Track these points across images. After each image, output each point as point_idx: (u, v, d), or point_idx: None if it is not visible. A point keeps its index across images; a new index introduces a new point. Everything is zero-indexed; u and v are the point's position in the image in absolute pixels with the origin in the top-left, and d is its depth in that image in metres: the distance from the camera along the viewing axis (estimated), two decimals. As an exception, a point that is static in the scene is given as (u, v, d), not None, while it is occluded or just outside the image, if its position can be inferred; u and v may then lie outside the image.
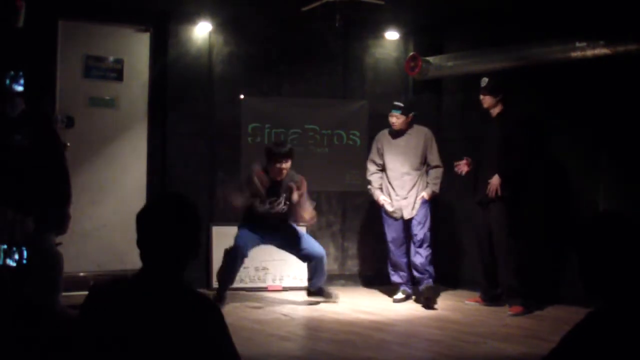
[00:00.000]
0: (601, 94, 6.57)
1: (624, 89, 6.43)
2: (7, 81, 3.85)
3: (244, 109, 7.64)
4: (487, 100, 6.72)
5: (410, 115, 6.90)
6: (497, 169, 6.59)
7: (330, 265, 7.93)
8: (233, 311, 6.37)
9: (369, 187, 7.12)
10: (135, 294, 2.34)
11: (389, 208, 6.96)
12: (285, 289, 7.41)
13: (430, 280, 6.89)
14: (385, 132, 7.07)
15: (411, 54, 7.71)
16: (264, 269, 7.46)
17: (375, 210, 7.70)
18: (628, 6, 6.14)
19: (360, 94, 8.09)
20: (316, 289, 6.91)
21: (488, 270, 6.84)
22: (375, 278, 7.90)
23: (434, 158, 6.96)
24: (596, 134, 6.69)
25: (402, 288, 7.06)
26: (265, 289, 7.36)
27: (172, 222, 2.40)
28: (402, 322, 6.25)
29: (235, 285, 7.02)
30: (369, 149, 7.67)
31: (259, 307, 6.70)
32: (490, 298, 6.87)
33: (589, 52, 6.20)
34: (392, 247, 7.01)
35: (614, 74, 6.41)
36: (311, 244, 6.81)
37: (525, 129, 6.79)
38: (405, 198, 6.92)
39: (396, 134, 6.99)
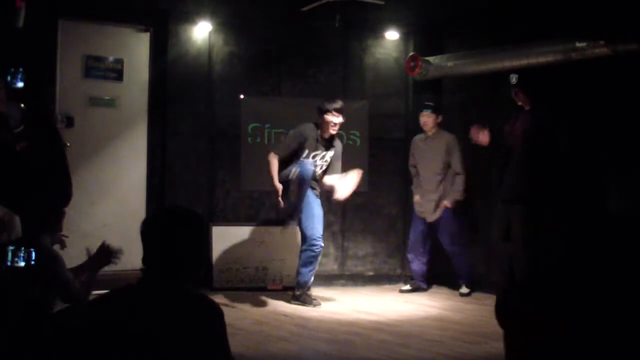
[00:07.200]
0: (601, 94, 6.56)
1: (624, 89, 6.43)
2: (9, 77, 3.83)
3: (244, 109, 7.64)
4: (520, 97, 6.64)
5: (441, 114, 7.28)
6: (529, 168, 6.52)
7: (330, 265, 7.94)
8: (233, 311, 6.37)
9: (412, 187, 7.55)
10: (138, 299, 2.32)
11: (417, 207, 7.38)
12: (285, 289, 7.40)
13: (465, 283, 7.26)
14: (419, 136, 7.46)
15: (411, 54, 7.71)
16: (264, 269, 7.44)
17: (375, 210, 7.74)
18: (628, 6, 6.14)
19: (360, 94, 8.08)
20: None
21: (505, 270, 6.76)
22: (375, 278, 7.90)
23: (456, 165, 7.24)
24: (596, 134, 6.67)
25: (413, 280, 7.49)
26: (265, 289, 7.35)
27: (176, 240, 2.40)
28: (402, 322, 6.24)
29: (235, 285, 7.02)
30: (368, 149, 7.74)
31: (259, 307, 6.70)
32: None
33: (589, 52, 6.19)
34: (410, 244, 7.49)
35: (614, 74, 6.40)
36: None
37: (556, 127, 6.63)
38: (427, 201, 7.31)
39: (425, 138, 7.38)
